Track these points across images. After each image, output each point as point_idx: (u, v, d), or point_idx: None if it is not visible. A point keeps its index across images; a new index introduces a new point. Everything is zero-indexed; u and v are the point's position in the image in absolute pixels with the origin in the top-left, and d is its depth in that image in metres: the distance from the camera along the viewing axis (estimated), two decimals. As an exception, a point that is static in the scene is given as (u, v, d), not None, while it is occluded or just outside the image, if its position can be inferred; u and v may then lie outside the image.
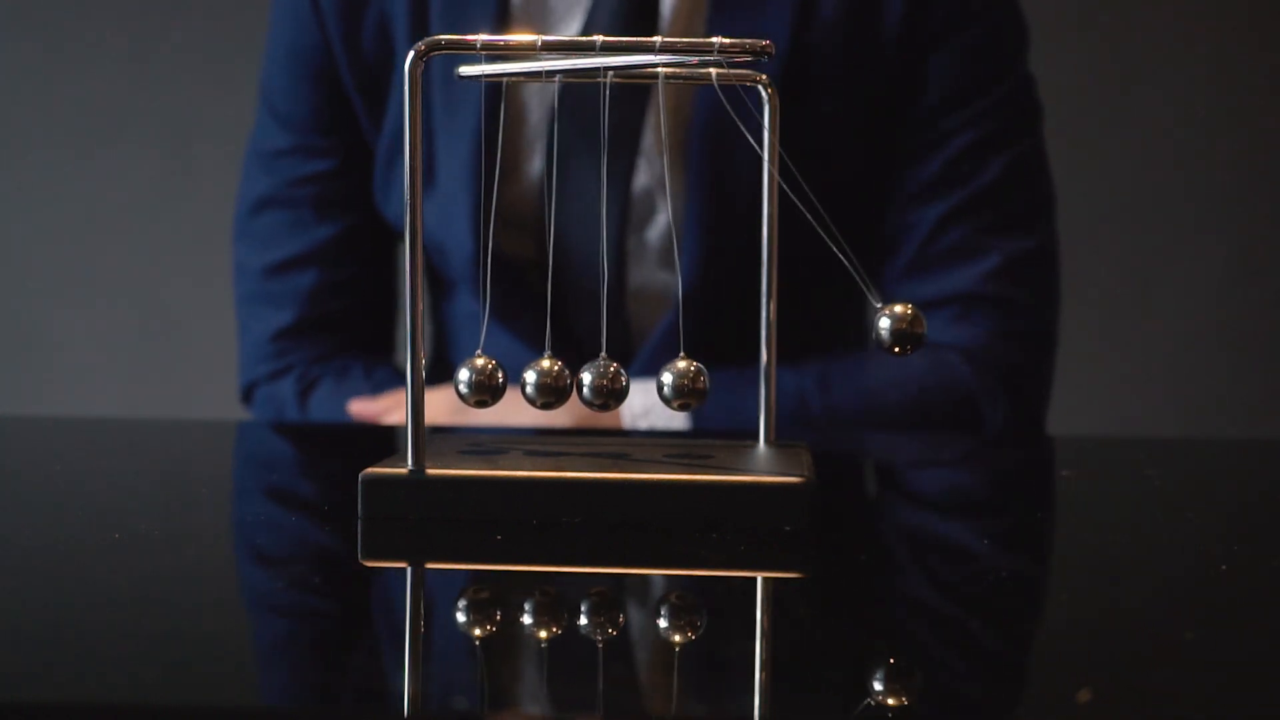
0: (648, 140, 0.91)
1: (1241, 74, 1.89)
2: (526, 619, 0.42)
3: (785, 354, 0.88)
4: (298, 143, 0.98)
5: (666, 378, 0.53)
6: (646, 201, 0.92)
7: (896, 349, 0.52)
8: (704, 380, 0.53)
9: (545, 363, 0.53)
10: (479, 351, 0.54)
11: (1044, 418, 0.96)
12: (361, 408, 0.94)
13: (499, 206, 0.94)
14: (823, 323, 1.01)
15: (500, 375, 0.53)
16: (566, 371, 0.53)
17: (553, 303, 0.52)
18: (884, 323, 0.52)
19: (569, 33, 0.91)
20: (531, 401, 0.53)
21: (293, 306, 0.98)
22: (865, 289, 0.53)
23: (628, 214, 0.92)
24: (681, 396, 0.53)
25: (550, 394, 0.53)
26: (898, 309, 0.52)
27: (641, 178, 0.91)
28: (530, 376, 0.53)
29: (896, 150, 0.94)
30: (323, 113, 0.98)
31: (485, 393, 0.53)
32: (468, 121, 0.91)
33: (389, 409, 0.92)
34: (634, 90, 0.90)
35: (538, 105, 0.91)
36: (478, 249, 0.93)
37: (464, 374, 0.53)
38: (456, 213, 0.93)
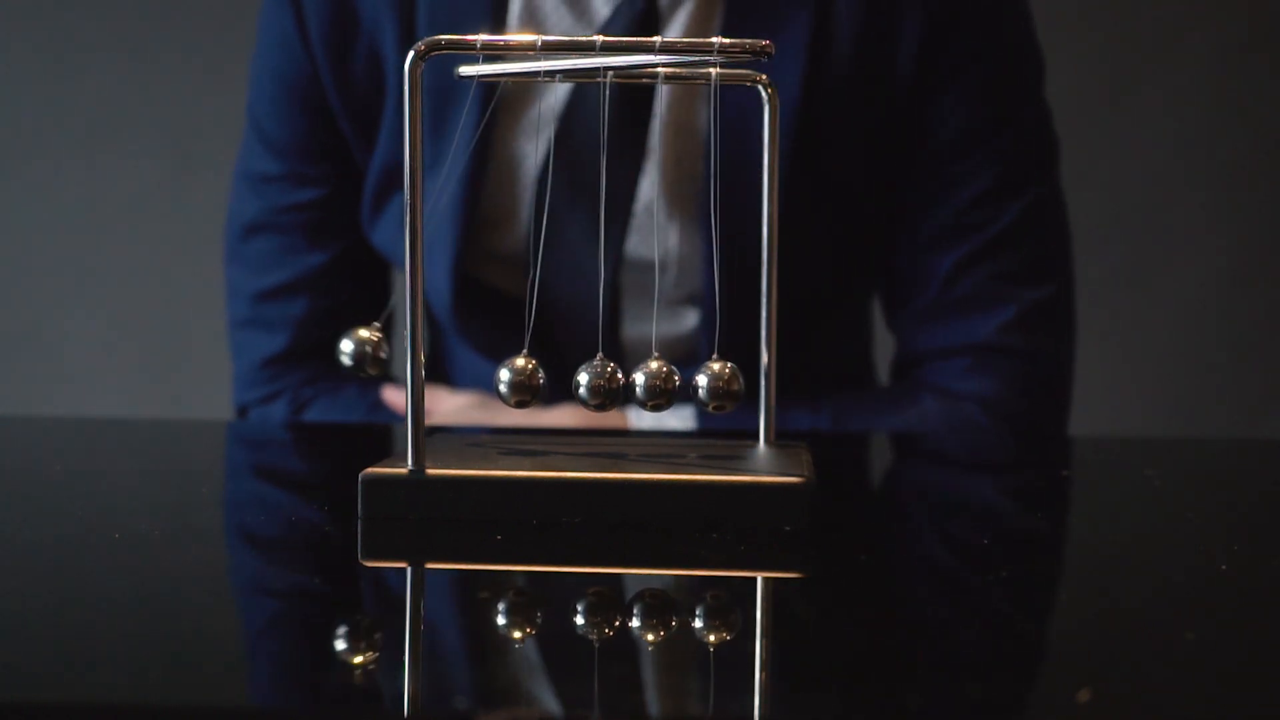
0: (644, 194, 0.88)
1: (1241, 74, 1.89)
2: (527, 619, 0.42)
3: (793, 389, 0.87)
4: (287, 169, 0.96)
5: (639, 378, 0.53)
6: (643, 260, 0.90)
7: (712, 406, 0.53)
8: (676, 380, 0.53)
9: (519, 360, 0.53)
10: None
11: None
12: (394, 397, 0.93)
13: (488, 247, 0.92)
14: (826, 360, 1.00)
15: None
16: (540, 372, 0.53)
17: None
18: (701, 380, 0.53)
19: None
20: (505, 400, 0.53)
21: (284, 333, 0.96)
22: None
23: (620, 272, 0.90)
24: (655, 397, 0.53)
25: (524, 392, 0.53)
26: (715, 367, 0.53)
27: (635, 237, 0.89)
28: (504, 375, 0.53)
29: (911, 192, 0.91)
30: (312, 140, 0.95)
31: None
32: (453, 169, 0.88)
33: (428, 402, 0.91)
34: (631, 149, 0.87)
35: (531, 151, 0.89)
36: (455, 301, 0.91)
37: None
38: (435, 262, 0.91)
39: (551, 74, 0.53)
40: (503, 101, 0.88)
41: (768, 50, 0.51)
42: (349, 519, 0.53)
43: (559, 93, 0.87)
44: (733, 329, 0.91)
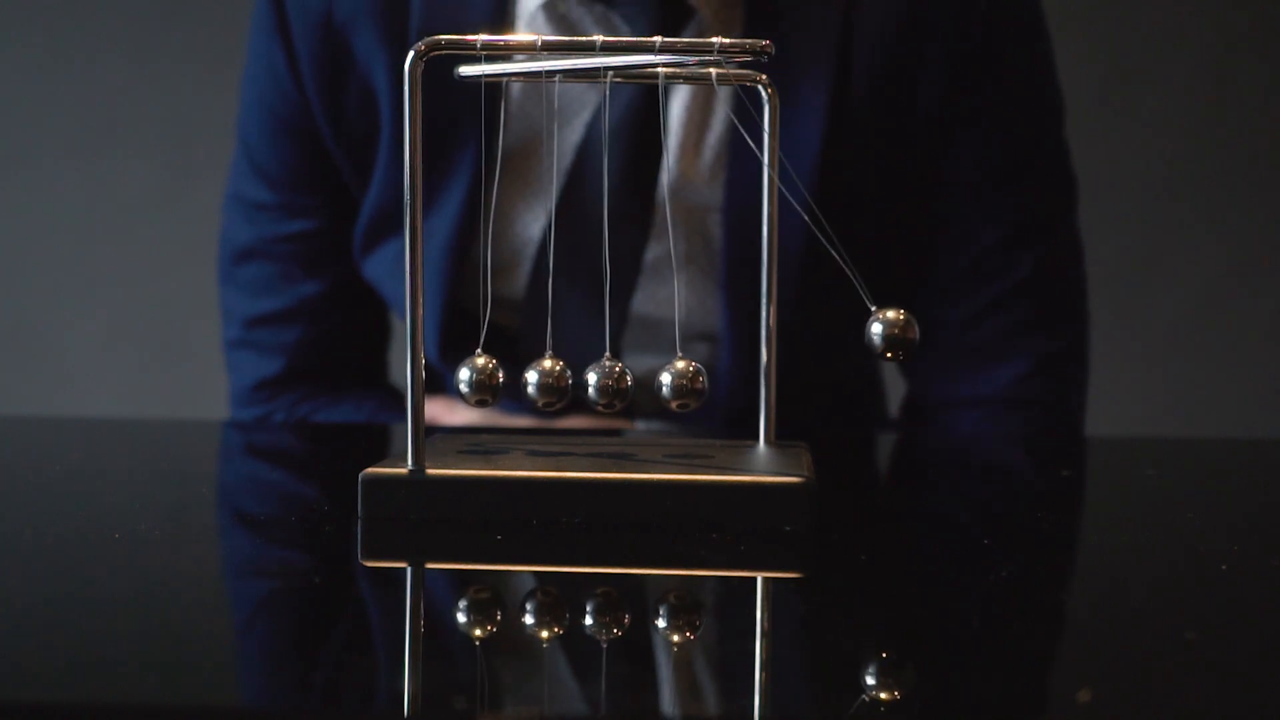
0: (651, 255, 0.86)
1: (1241, 74, 1.89)
2: (526, 619, 0.42)
3: (805, 415, 0.86)
4: (280, 200, 0.92)
5: (665, 378, 0.53)
6: (650, 316, 0.88)
7: (888, 354, 0.53)
8: (702, 380, 0.53)
9: (547, 362, 0.54)
10: (478, 351, 0.54)
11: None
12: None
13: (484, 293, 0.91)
14: (835, 388, 0.98)
15: (500, 375, 0.54)
16: (568, 372, 0.54)
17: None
18: (876, 328, 0.53)
19: (577, 128, 0.85)
20: (533, 403, 0.54)
21: (279, 358, 0.94)
22: (862, 294, 0.52)
23: (625, 329, 0.88)
24: (681, 396, 0.53)
25: (551, 394, 0.53)
26: (890, 314, 0.52)
27: (641, 294, 0.87)
28: (531, 376, 0.53)
29: (926, 239, 0.89)
30: (306, 172, 0.92)
31: (486, 392, 0.53)
32: (440, 224, 0.85)
33: (444, 410, 0.90)
34: (636, 222, 0.85)
35: (530, 207, 0.87)
36: (441, 364, 0.89)
37: (464, 373, 0.54)
38: (424, 312, 0.88)
39: (552, 73, 0.53)
40: (502, 165, 0.85)
41: (767, 50, 0.51)
42: (349, 519, 0.53)
43: (563, 161, 0.84)
44: (750, 361, 0.88)
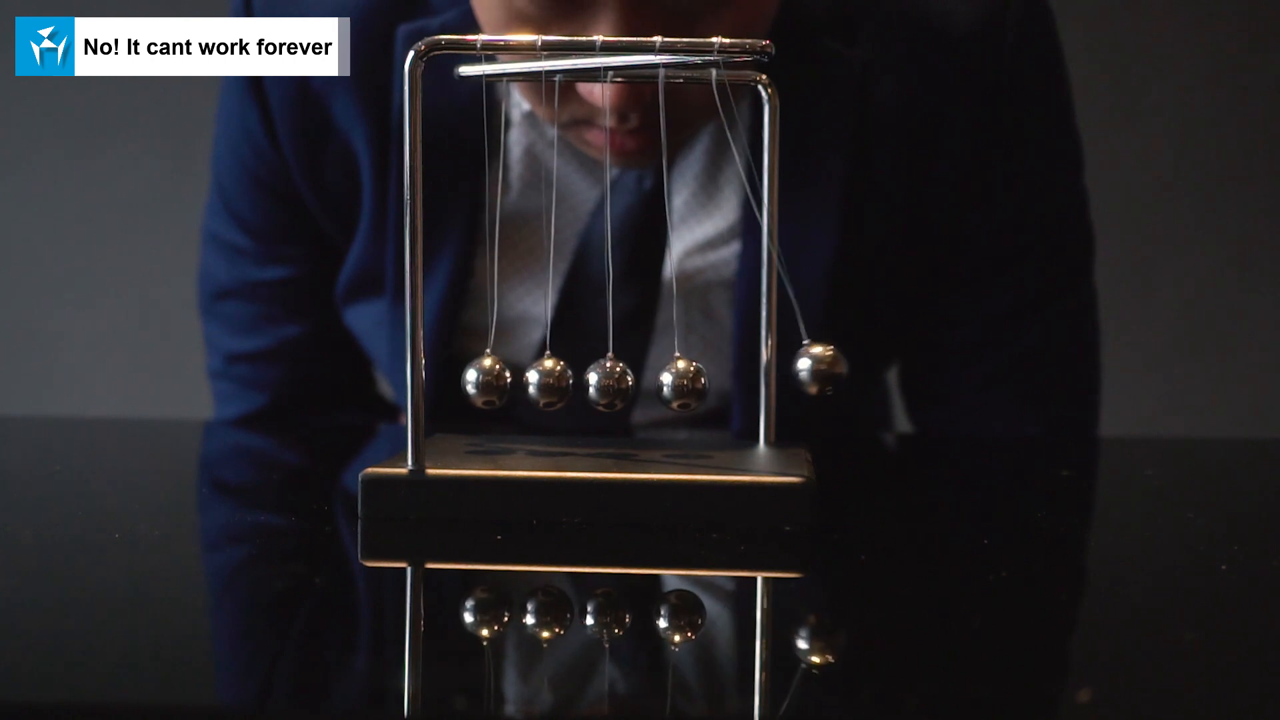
0: (658, 326, 0.84)
1: (1241, 74, 1.89)
2: (527, 619, 0.42)
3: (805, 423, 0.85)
4: (258, 247, 0.89)
5: (666, 378, 0.53)
6: (652, 385, 0.86)
7: (814, 389, 0.54)
8: (703, 380, 0.53)
9: (548, 362, 0.53)
10: (487, 351, 0.54)
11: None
12: None
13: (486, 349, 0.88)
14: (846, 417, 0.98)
15: (508, 376, 0.54)
16: (569, 372, 0.54)
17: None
18: (803, 363, 0.54)
19: (574, 234, 0.83)
20: (534, 403, 0.53)
21: (263, 394, 0.92)
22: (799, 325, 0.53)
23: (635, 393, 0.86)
24: (682, 397, 0.53)
25: (553, 394, 0.53)
26: (816, 349, 0.53)
27: (649, 371, 0.84)
28: (533, 376, 0.53)
29: (939, 303, 0.87)
30: (283, 224, 0.88)
31: (493, 393, 0.53)
32: (434, 286, 0.82)
33: None
34: (641, 320, 0.83)
35: (528, 287, 0.84)
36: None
37: (471, 374, 0.53)
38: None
39: (552, 73, 0.53)
40: (499, 233, 0.82)
41: (767, 50, 0.51)
42: (349, 519, 0.53)
43: (562, 265, 0.83)
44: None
